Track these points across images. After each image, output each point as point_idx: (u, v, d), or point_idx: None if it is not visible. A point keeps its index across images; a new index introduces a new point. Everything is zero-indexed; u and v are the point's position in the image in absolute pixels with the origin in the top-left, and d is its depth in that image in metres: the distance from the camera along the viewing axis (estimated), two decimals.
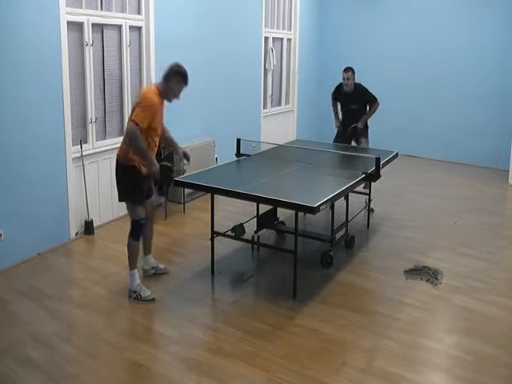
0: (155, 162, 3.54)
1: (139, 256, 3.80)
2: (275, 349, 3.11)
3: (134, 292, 3.67)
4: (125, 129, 3.70)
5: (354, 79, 5.72)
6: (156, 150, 3.67)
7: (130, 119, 3.44)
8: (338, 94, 5.96)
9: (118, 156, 3.60)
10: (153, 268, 4.06)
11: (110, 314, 3.50)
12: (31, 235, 4.35)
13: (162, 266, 4.11)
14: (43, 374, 2.85)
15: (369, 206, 5.42)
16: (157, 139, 3.63)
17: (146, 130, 3.44)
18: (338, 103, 6.04)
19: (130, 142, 3.42)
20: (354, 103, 5.78)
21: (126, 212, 5.24)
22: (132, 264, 3.71)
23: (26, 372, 2.87)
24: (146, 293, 3.68)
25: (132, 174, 3.55)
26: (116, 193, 3.72)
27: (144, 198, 3.70)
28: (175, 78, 3.56)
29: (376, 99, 5.77)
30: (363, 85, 5.79)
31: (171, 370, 2.92)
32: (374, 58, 8.68)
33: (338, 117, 6.09)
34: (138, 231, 3.68)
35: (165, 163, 3.67)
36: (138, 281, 3.72)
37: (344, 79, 5.71)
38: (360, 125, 5.77)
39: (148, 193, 3.80)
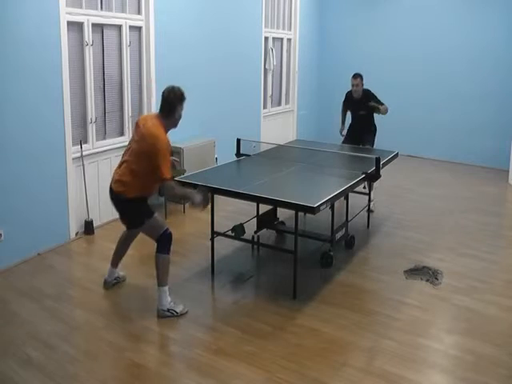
0: (194, 193, 3.41)
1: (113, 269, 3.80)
2: (275, 349, 3.11)
3: (168, 310, 3.44)
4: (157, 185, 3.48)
5: (362, 85, 5.78)
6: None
7: (161, 177, 3.20)
8: (348, 100, 5.99)
9: (122, 192, 3.35)
10: (115, 279, 3.88)
11: (110, 314, 3.50)
12: (31, 235, 4.35)
13: (121, 273, 3.95)
14: (43, 374, 2.85)
15: (369, 207, 5.41)
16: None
17: (153, 172, 3.23)
18: (345, 110, 6.14)
19: (171, 196, 3.36)
20: (362, 109, 5.82)
21: None
22: (164, 280, 3.44)
23: (26, 372, 2.87)
24: (180, 307, 3.48)
25: (139, 202, 3.42)
26: None
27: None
28: (179, 106, 3.34)
29: (383, 104, 5.80)
30: (372, 91, 5.84)
31: (171, 369, 2.92)
32: (374, 57, 8.68)
33: (344, 123, 6.14)
34: (167, 243, 3.43)
35: (201, 187, 3.50)
36: (169, 297, 3.48)
37: (353, 85, 5.76)
38: (372, 107, 5.77)
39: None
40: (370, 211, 5.40)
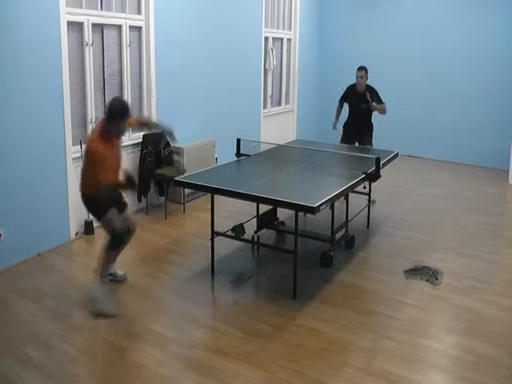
0: (124, 181, 3.54)
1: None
2: (275, 349, 3.11)
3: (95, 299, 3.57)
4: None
5: (367, 78, 5.87)
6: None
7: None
8: (349, 93, 6.02)
9: (86, 191, 3.55)
10: (111, 274, 3.88)
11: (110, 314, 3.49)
12: (31, 235, 4.35)
13: (121, 272, 3.99)
14: (43, 374, 2.85)
15: (369, 197, 5.40)
16: (119, 170, 3.63)
17: (105, 172, 3.43)
18: (342, 105, 6.17)
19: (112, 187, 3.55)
20: (364, 102, 5.88)
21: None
22: (104, 266, 3.66)
23: (26, 372, 2.87)
24: (106, 305, 3.52)
25: (95, 197, 3.54)
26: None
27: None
28: (121, 120, 3.48)
29: (383, 102, 5.89)
30: (375, 88, 5.91)
31: (171, 369, 2.92)
32: (374, 57, 8.65)
33: (338, 118, 6.21)
34: (117, 242, 3.64)
35: (129, 175, 3.61)
36: (101, 289, 3.61)
37: (358, 77, 5.86)
38: (371, 106, 5.86)
39: (123, 207, 3.80)
40: (371, 202, 5.41)
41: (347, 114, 6.17)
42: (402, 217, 5.60)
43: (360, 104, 5.91)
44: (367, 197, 5.43)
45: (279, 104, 8.45)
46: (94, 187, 3.50)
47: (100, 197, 3.52)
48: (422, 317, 3.54)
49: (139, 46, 5.46)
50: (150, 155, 5.42)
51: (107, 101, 5.11)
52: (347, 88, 6.10)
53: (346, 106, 6.21)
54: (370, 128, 6.06)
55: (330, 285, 3.98)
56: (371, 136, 6.06)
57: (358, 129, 5.99)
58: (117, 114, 3.46)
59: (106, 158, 3.44)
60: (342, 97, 6.17)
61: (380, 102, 5.88)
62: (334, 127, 6.18)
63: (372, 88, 5.93)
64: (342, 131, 6.13)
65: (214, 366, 2.95)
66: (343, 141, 6.04)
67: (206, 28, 6.21)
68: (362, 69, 5.86)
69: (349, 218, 4.63)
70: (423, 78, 8.36)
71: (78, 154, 4.74)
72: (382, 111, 5.92)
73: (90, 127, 4.94)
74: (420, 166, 8.05)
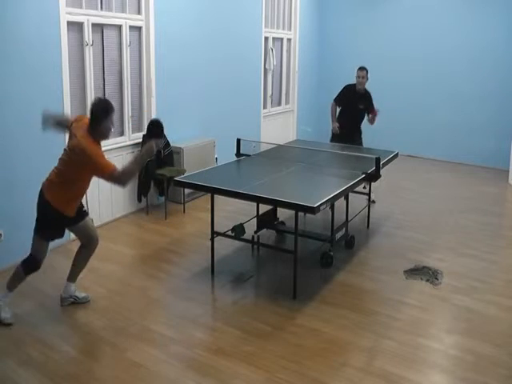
0: (144, 149, 3.31)
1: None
2: (275, 349, 3.11)
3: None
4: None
5: (367, 79, 5.86)
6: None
7: (106, 177, 3.20)
8: (346, 95, 5.95)
9: (50, 199, 3.28)
10: (71, 297, 3.62)
11: (110, 314, 3.50)
12: (31, 235, 4.33)
13: (83, 294, 3.68)
14: (43, 374, 2.85)
15: (369, 197, 5.41)
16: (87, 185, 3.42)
17: (79, 179, 3.27)
18: (338, 105, 6.07)
19: (128, 180, 3.30)
20: (361, 103, 5.87)
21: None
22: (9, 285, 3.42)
23: (26, 372, 2.87)
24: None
25: (57, 217, 3.32)
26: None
27: (53, 238, 3.48)
28: (105, 119, 3.23)
29: (375, 108, 5.90)
30: (371, 94, 5.93)
31: (171, 369, 2.92)
32: (374, 57, 8.66)
33: (336, 120, 6.08)
34: (29, 267, 3.40)
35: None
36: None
37: (359, 77, 5.83)
38: (369, 119, 5.92)
39: (83, 214, 3.55)
40: (371, 201, 5.42)
41: (339, 114, 6.05)
42: (402, 217, 5.60)
43: (358, 105, 5.88)
44: (367, 197, 5.43)
45: (279, 104, 8.45)
46: (63, 200, 3.27)
47: (61, 212, 3.28)
48: (422, 317, 3.54)
49: (139, 46, 5.46)
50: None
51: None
52: (345, 88, 6.02)
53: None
54: (360, 130, 6.07)
55: (330, 285, 3.98)
56: (361, 137, 6.06)
57: (350, 129, 5.93)
58: (102, 115, 3.22)
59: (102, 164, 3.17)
60: (338, 97, 6.03)
61: (372, 107, 5.88)
62: (336, 130, 5.95)
63: (368, 92, 5.92)
64: (331, 132, 6.06)
65: (214, 366, 2.95)
66: (333, 140, 5.98)
67: (206, 28, 6.21)
68: (363, 69, 5.83)
69: (349, 218, 4.64)
70: (423, 78, 8.37)
71: None
72: (373, 123, 5.97)
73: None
74: (420, 165, 8.06)
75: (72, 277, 3.64)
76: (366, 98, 5.90)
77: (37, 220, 3.36)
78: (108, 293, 3.79)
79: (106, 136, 3.34)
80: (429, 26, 8.23)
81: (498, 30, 7.66)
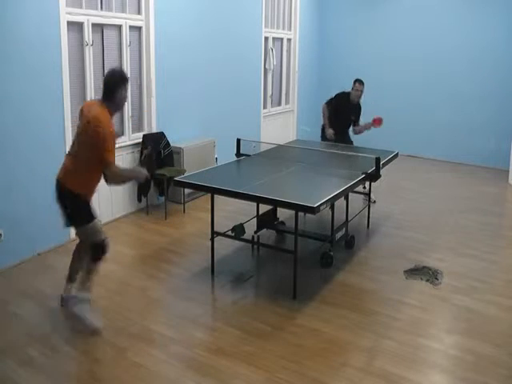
0: (138, 170, 3.37)
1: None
2: (275, 349, 3.11)
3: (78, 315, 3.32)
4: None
5: (363, 93, 5.88)
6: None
7: (105, 162, 3.09)
8: (340, 102, 5.92)
9: (66, 184, 3.18)
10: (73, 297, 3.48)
11: (110, 314, 3.49)
12: (31, 235, 4.35)
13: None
14: (43, 373, 2.85)
15: (369, 197, 5.42)
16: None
17: (99, 164, 3.12)
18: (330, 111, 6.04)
19: (117, 183, 3.31)
20: (353, 114, 5.92)
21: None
22: (84, 286, 3.32)
23: (26, 372, 2.87)
24: (93, 322, 3.29)
25: (82, 199, 3.22)
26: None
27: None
28: (121, 87, 3.20)
29: (359, 122, 5.98)
30: (361, 107, 5.98)
31: (171, 369, 2.92)
32: (374, 57, 8.68)
33: (330, 126, 6.01)
34: (100, 253, 3.28)
35: (145, 159, 3.43)
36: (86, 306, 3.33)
37: (357, 90, 5.83)
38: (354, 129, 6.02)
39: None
40: (371, 201, 5.43)
41: (330, 119, 5.99)
42: (402, 217, 5.60)
43: (349, 115, 5.89)
44: (367, 197, 5.43)
45: (279, 104, 8.45)
46: (86, 183, 3.20)
47: (89, 198, 3.21)
48: (422, 317, 3.54)
49: (139, 46, 5.46)
50: (151, 155, 5.42)
51: None
52: (338, 96, 5.95)
53: None
54: (349, 134, 6.13)
55: (330, 285, 3.98)
56: (351, 140, 6.11)
57: (342, 134, 5.95)
58: (117, 84, 3.18)
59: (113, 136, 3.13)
60: (330, 102, 5.96)
61: (358, 120, 5.95)
62: (331, 137, 5.84)
63: (360, 105, 5.95)
64: (321, 131, 6.07)
65: (213, 366, 2.95)
66: (324, 139, 5.99)
67: (206, 28, 6.21)
68: (362, 83, 5.81)
69: (349, 218, 4.64)
70: (423, 78, 8.37)
71: None
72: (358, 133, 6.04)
73: None
74: (420, 165, 8.06)
75: (74, 277, 3.56)
76: (357, 109, 5.95)
77: (69, 215, 3.24)
78: (108, 293, 3.79)
79: (121, 106, 3.31)
80: (429, 26, 8.23)
81: (498, 30, 7.66)
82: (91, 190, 3.28)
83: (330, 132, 5.89)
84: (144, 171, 3.34)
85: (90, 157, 3.12)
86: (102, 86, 3.28)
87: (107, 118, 3.14)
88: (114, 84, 3.20)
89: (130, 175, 3.45)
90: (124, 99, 3.29)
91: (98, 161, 3.10)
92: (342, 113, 5.91)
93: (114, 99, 3.21)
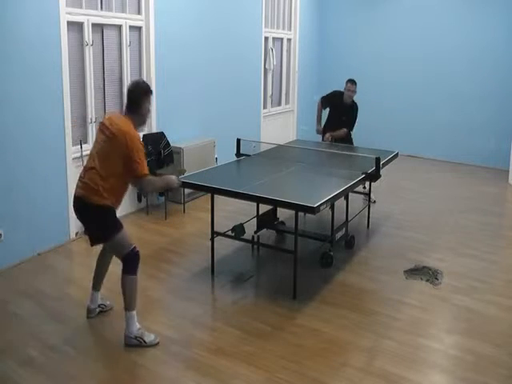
0: (168, 178, 3.31)
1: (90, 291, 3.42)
2: (275, 349, 3.11)
3: (136, 338, 3.09)
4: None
5: (355, 93, 5.76)
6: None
7: (138, 174, 3.01)
8: (333, 100, 5.89)
9: (90, 199, 3.04)
10: (99, 306, 3.47)
11: (110, 314, 3.49)
12: (31, 235, 4.35)
13: (107, 302, 3.53)
14: (43, 373, 2.85)
15: (369, 197, 5.42)
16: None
17: (127, 175, 3.06)
18: (324, 108, 6.02)
19: (150, 192, 3.24)
20: (345, 115, 5.80)
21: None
22: (133, 304, 3.11)
23: (26, 372, 2.87)
24: (150, 337, 3.13)
25: (108, 212, 3.11)
26: None
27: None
28: (145, 100, 3.13)
29: (353, 127, 5.83)
30: (357, 108, 5.84)
31: (171, 369, 2.92)
32: (374, 57, 8.68)
33: (320, 122, 6.04)
34: (135, 262, 3.13)
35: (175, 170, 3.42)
36: (138, 324, 3.14)
37: (350, 90, 5.72)
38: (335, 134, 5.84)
39: None
40: (371, 201, 5.43)
41: (327, 119, 6.02)
42: (402, 217, 5.60)
43: (341, 116, 5.81)
44: (367, 197, 5.43)
45: (279, 104, 8.45)
46: (114, 193, 3.06)
47: (113, 209, 3.08)
48: (422, 317, 3.54)
49: (139, 46, 5.46)
50: (150, 155, 5.42)
51: (107, 101, 5.14)
52: (333, 93, 5.91)
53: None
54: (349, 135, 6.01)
55: (330, 285, 3.98)
56: (351, 138, 6.02)
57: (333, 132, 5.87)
58: (142, 97, 3.10)
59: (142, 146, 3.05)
60: (325, 99, 5.94)
61: (352, 123, 5.81)
62: (321, 133, 5.90)
63: (356, 105, 5.80)
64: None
65: (213, 365, 2.95)
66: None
67: (206, 28, 6.21)
68: (354, 83, 5.70)
69: (349, 218, 4.63)
70: (423, 78, 8.37)
71: (78, 154, 4.74)
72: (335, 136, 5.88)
73: (90, 127, 4.94)
74: (420, 165, 8.06)
75: (99, 285, 3.46)
76: (352, 110, 5.79)
77: (97, 230, 3.15)
78: (108, 292, 3.78)
79: (145, 119, 3.20)
80: (429, 26, 8.23)
81: (498, 30, 7.66)
82: (119, 200, 3.17)
83: (317, 128, 5.90)
84: (176, 179, 3.34)
85: (117, 169, 3.03)
86: (126, 98, 3.18)
87: (134, 131, 3.06)
88: (139, 96, 3.12)
89: (162, 184, 3.37)
90: (148, 111, 3.21)
91: (126, 172, 3.03)
92: (333, 111, 5.90)
93: (139, 111, 3.13)
